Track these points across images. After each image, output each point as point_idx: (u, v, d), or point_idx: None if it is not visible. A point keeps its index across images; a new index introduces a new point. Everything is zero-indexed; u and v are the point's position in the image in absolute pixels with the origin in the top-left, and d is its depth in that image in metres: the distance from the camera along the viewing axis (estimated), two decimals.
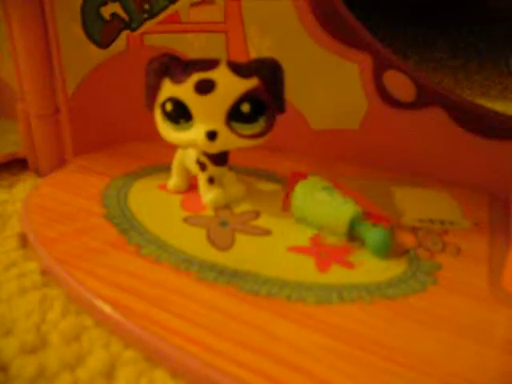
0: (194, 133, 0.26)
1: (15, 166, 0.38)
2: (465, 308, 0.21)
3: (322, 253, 0.25)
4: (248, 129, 0.26)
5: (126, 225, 0.28)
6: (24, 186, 0.36)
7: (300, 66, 0.35)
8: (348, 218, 0.25)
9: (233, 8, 0.35)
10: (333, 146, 0.36)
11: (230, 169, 0.30)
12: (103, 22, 0.36)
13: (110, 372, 0.19)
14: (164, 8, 0.36)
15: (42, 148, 0.37)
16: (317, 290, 0.22)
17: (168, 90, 0.26)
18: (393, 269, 0.24)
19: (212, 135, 0.25)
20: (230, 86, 0.25)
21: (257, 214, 0.29)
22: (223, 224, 0.28)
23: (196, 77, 0.25)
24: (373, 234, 0.25)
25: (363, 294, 0.22)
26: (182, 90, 0.25)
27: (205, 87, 0.25)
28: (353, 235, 0.26)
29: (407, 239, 0.26)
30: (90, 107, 0.37)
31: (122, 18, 0.36)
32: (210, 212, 0.29)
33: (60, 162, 0.37)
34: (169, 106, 0.26)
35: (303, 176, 0.33)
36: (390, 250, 0.25)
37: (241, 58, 0.36)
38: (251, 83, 0.26)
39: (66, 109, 0.36)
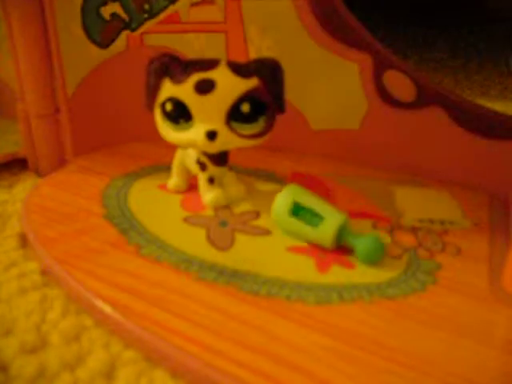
0: (194, 133, 0.26)
1: (15, 166, 0.38)
2: (465, 308, 0.21)
3: (321, 253, 0.25)
4: (248, 129, 0.26)
5: (126, 225, 0.28)
6: (24, 186, 0.36)
7: (300, 66, 0.35)
8: (330, 240, 0.24)
9: (233, 8, 0.35)
10: (333, 146, 0.36)
11: (230, 169, 0.30)
12: (103, 22, 0.36)
13: (110, 372, 0.19)
14: (164, 8, 0.36)
15: (42, 148, 0.37)
16: (317, 290, 0.22)
17: (168, 90, 0.26)
18: (393, 269, 0.24)
19: (212, 135, 0.25)
20: (230, 86, 0.25)
21: (257, 214, 0.29)
22: (223, 224, 0.28)
23: (196, 77, 0.25)
24: (361, 246, 0.24)
25: (363, 294, 0.22)
26: (182, 90, 0.25)
27: (205, 87, 0.25)
28: (343, 245, 0.25)
29: (407, 239, 0.26)
30: (90, 107, 0.37)
31: (122, 18, 0.36)
32: (210, 212, 0.29)
33: (60, 162, 0.37)
34: (169, 106, 0.26)
35: (303, 176, 0.33)
36: (389, 251, 0.25)
37: (241, 58, 0.36)
38: (251, 83, 0.26)
39: (66, 109, 0.36)
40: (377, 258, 0.24)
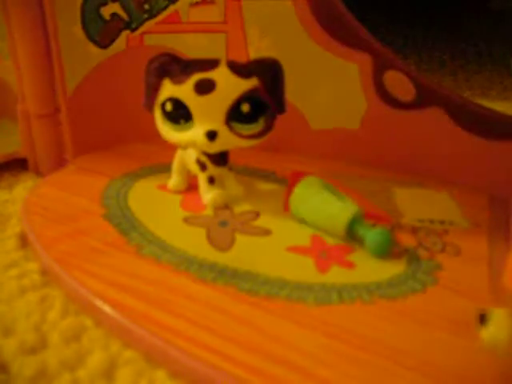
0: (194, 133, 0.26)
1: (15, 166, 0.38)
2: (465, 308, 0.21)
3: (321, 253, 0.25)
4: (248, 129, 0.26)
5: (126, 225, 0.28)
6: (24, 186, 0.36)
7: (300, 66, 0.35)
8: (346, 220, 0.25)
9: (233, 8, 0.35)
10: (333, 145, 0.36)
11: (230, 169, 0.30)
12: (103, 22, 0.36)
13: (109, 372, 0.19)
14: (164, 8, 0.36)
15: (42, 148, 0.37)
16: (317, 290, 0.22)
17: (168, 90, 0.26)
18: (393, 269, 0.24)
19: (212, 135, 0.25)
20: (230, 86, 0.25)
21: (257, 214, 0.29)
22: (223, 224, 0.28)
23: (196, 77, 0.25)
24: (372, 235, 0.25)
25: (363, 294, 0.22)
26: (182, 90, 0.26)
27: (205, 87, 0.25)
28: (352, 236, 0.26)
29: (407, 239, 0.26)
30: (90, 107, 0.37)
31: (122, 18, 0.36)
32: (209, 212, 0.29)
33: (60, 162, 0.37)
34: (169, 106, 0.26)
35: (303, 176, 0.33)
36: (390, 250, 0.25)
37: (241, 58, 0.36)
38: (251, 83, 0.26)
39: (66, 109, 0.36)
40: (385, 250, 0.24)
